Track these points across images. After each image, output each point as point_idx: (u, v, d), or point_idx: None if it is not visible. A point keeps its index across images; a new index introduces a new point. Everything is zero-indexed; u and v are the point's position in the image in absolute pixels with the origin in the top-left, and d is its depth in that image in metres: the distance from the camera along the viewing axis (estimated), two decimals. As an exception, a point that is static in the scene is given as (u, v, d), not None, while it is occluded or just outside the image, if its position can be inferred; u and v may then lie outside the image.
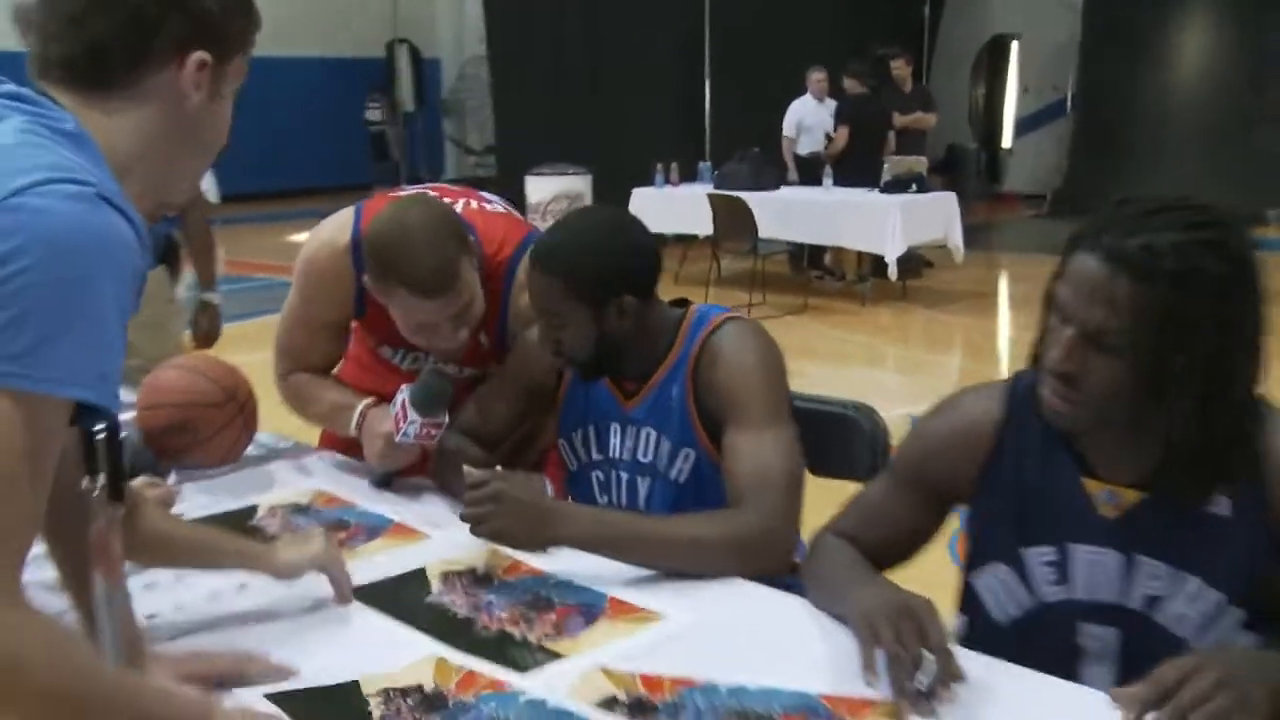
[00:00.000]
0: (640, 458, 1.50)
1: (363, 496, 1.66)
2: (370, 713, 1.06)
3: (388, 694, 1.09)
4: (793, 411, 1.47)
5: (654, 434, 1.49)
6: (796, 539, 1.40)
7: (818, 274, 7.85)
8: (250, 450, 1.82)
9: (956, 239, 6.92)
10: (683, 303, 1.55)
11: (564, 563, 1.35)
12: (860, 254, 7.32)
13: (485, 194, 1.84)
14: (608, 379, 1.55)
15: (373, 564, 1.41)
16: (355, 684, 1.10)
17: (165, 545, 1.17)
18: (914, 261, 7.26)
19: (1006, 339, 6.74)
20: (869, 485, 1.36)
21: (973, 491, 1.23)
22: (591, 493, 1.57)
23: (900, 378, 5.87)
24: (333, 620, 1.25)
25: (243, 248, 11.08)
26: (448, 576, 1.34)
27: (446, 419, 1.63)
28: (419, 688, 1.10)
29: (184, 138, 0.93)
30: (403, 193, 1.70)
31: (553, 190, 7.75)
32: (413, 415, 1.60)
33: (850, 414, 1.68)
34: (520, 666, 1.13)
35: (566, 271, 1.42)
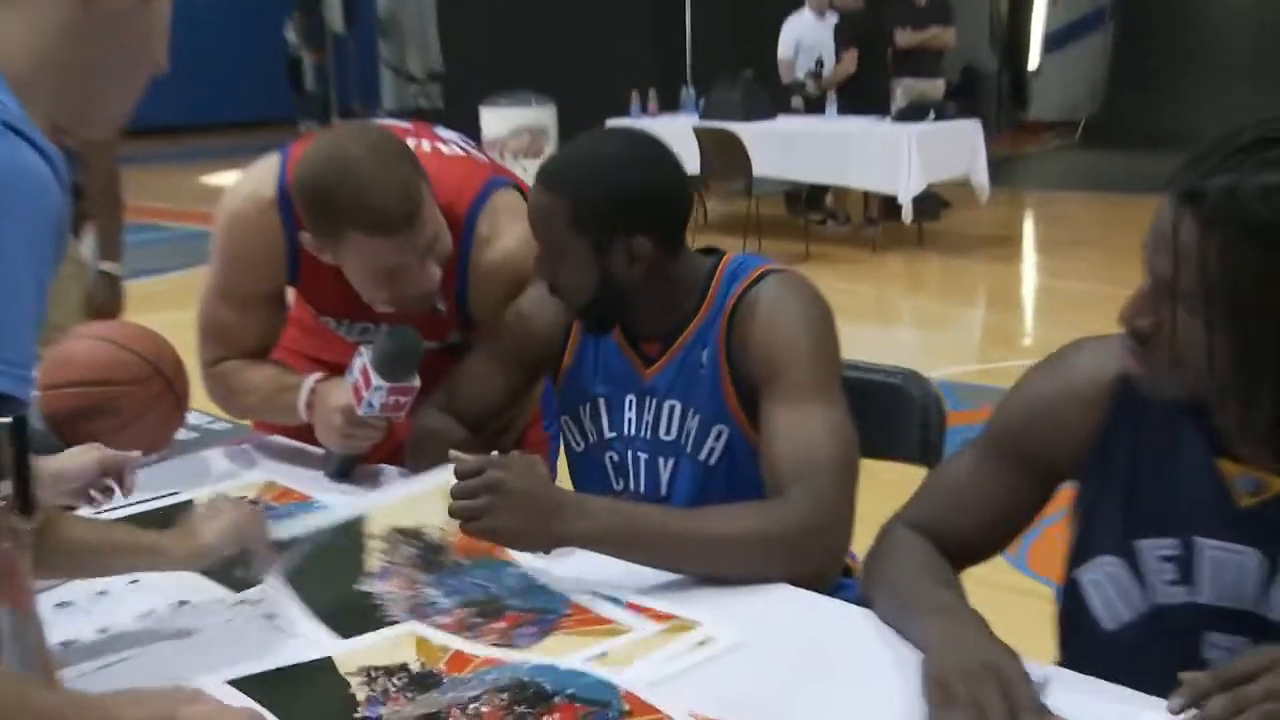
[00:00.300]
0: (662, 435, 1.46)
1: (321, 489, 1.61)
2: (353, 694, 1.06)
3: (369, 673, 1.11)
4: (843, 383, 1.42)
5: (678, 407, 1.45)
6: (849, 534, 1.34)
7: (819, 218, 7.82)
8: (180, 434, 1.77)
9: (981, 175, 6.86)
10: (714, 251, 1.50)
11: (569, 564, 1.30)
12: (867, 194, 7.29)
13: (441, 130, 1.77)
14: (622, 341, 1.50)
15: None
16: (329, 660, 1.12)
17: (74, 554, 1.14)
18: (930, 202, 7.22)
19: (1034, 288, 6.75)
20: (949, 461, 1.30)
21: (1082, 467, 1.18)
22: (604, 477, 1.53)
23: (915, 334, 5.86)
24: (281, 630, 1.21)
25: (150, 192, 10.92)
26: (391, 544, 1.32)
27: (418, 383, 1.56)
28: (403, 666, 1.12)
29: (102, 44, 0.85)
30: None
31: (511, 123, 7.71)
32: (377, 381, 1.53)
33: (896, 381, 1.65)
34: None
35: (571, 192, 1.37)
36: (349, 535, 1.34)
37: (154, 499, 1.55)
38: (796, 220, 7.82)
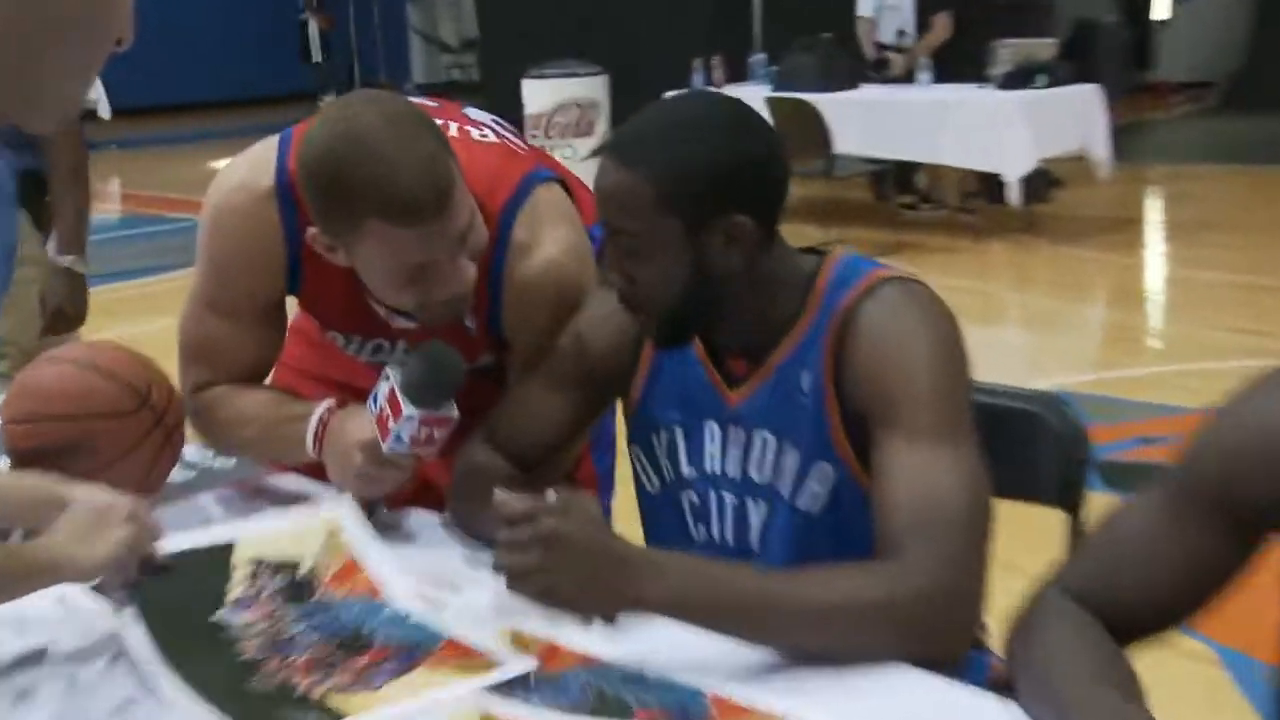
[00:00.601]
0: (753, 474, 1.41)
1: (405, 572, 1.43)
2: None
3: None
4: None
5: (772, 440, 1.40)
6: (981, 601, 1.28)
7: (908, 201, 7.73)
8: (175, 475, 1.72)
9: (1100, 148, 6.74)
10: (815, 251, 1.44)
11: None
12: (965, 173, 7.20)
13: (472, 112, 1.71)
14: (703, 356, 1.45)
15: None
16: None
17: None
18: (1039, 180, 7.11)
19: (1162, 280, 6.66)
20: (1119, 515, 1.20)
21: None
22: (681, 523, 1.48)
23: (1023, 336, 5.77)
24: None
25: (151, 179, 11.11)
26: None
27: (456, 413, 1.49)
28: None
29: (49, 9, 0.80)
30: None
31: (557, 97, 7.66)
32: (408, 409, 1.45)
33: (1031, 408, 1.57)
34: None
35: (655, 166, 1.30)
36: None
37: (185, 550, 1.44)
38: (884, 205, 7.72)
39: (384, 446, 1.48)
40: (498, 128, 1.68)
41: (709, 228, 1.33)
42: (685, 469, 1.47)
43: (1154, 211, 8.27)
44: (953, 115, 6.69)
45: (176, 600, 1.32)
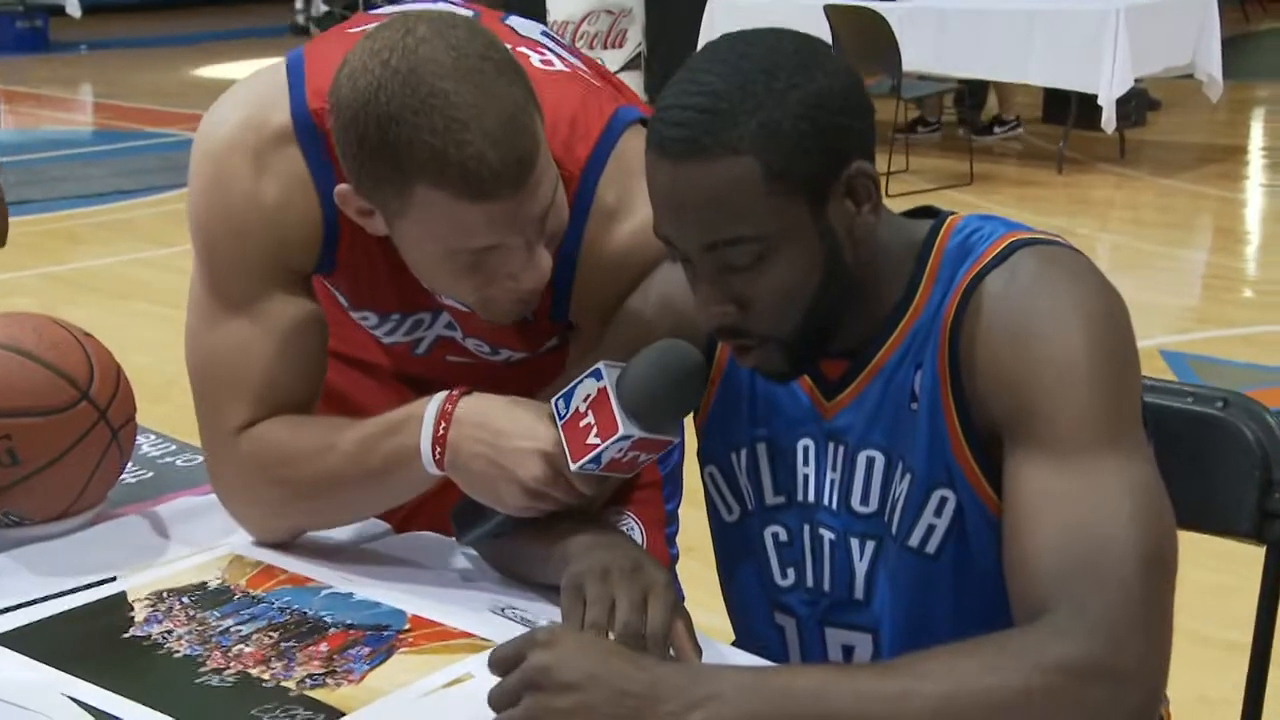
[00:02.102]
0: (855, 504, 1.31)
1: (328, 563, 1.42)
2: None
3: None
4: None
5: (880, 460, 1.30)
6: (1164, 674, 1.13)
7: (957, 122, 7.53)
8: (128, 477, 1.61)
9: (1211, 64, 6.74)
10: (930, 212, 1.32)
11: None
12: (1046, 92, 7.20)
13: (520, 25, 1.52)
14: None
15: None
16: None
17: None
18: (1135, 102, 7.13)
19: (1275, 217, 6.57)
20: None
21: None
22: (763, 563, 1.38)
23: (1121, 283, 5.56)
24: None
25: (122, 87, 11.01)
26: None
27: (678, 436, 1.33)
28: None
29: None
30: (382, 14, 1.35)
31: (586, 3, 7.55)
32: (626, 427, 1.25)
33: (1215, 410, 1.46)
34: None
35: (758, 132, 1.15)
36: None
37: (76, 589, 1.38)
38: (953, 131, 7.60)
39: (572, 465, 1.27)
40: (556, 46, 1.49)
41: (833, 194, 1.19)
42: (771, 497, 1.37)
43: (1258, 137, 8.18)
44: (1042, 27, 6.62)
45: (74, 636, 1.30)
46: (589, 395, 1.27)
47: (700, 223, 1.17)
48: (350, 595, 1.34)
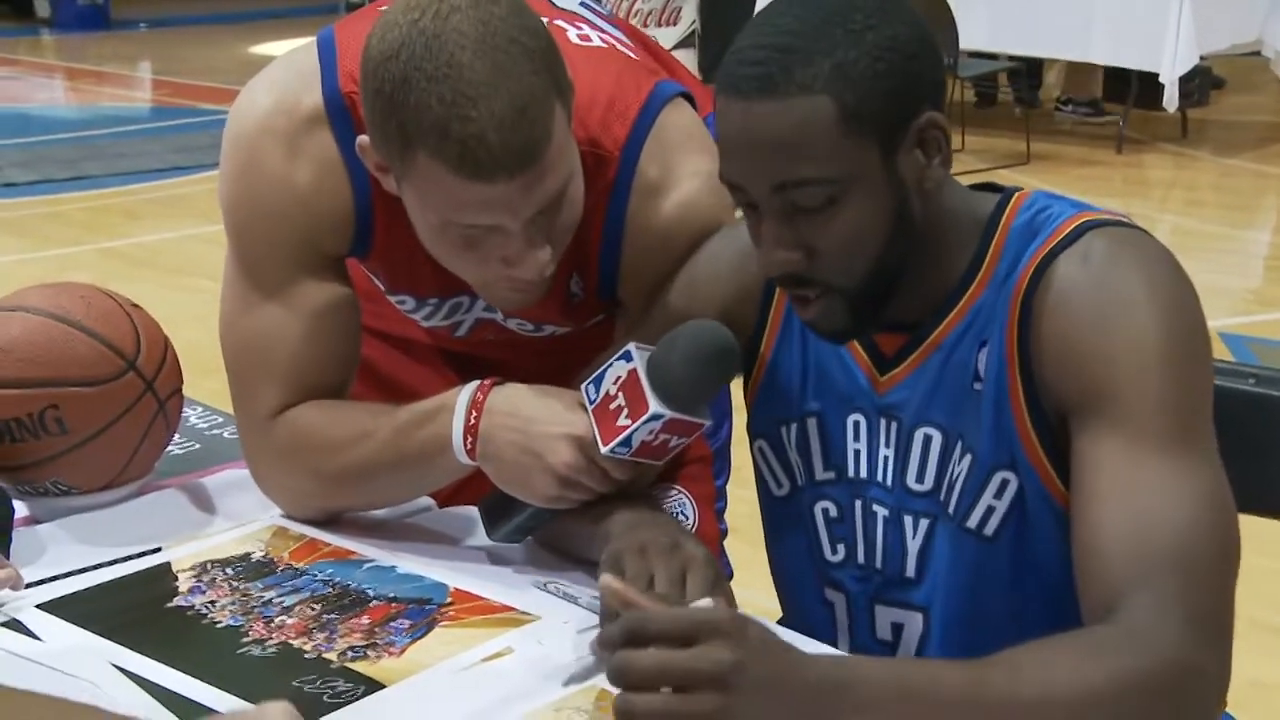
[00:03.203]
0: (911, 482, 1.29)
1: (371, 537, 1.41)
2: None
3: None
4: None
5: (937, 439, 1.28)
6: (1228, 671, 1.12)
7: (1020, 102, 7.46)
8: (174, 448, 1.62)
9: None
10: (994, 187, 1.30)
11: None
12: (1106, 71, 7.05)
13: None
14: None
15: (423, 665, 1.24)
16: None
17: None
18: (1198, 80, 7.00)
19: None
20: None
21: None
22: (813, 538, 1.37)
23: (1184, 264, 5.53)
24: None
25: (180, 64, 11.09)
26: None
27: (709, 419, 1.31)
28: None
29: None
30: None
31: None
32: (657, 407, 1.24)
33: (1257, 389, 1.45)
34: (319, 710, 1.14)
35: (833, 71, 1.14)
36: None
37: (122, 559, 1.39)
38: (1008, 108, 7.53)
39: (603, 447, 1.26)
40: (595, 19, 1.48)
41: (904, 142, 1.18)
42: (821, 472, 1.35)
43: None
44: (1103, 4, 6.52)
45: (120, 606, 1.30)
46: (619, 378, 1.26)
47: (771, 162, 1.15)
48: (393, 569, 1.34)
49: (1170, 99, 6.34)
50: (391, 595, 1.29)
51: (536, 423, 1.28)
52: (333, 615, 1.26)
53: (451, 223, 1.24)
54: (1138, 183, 6.54)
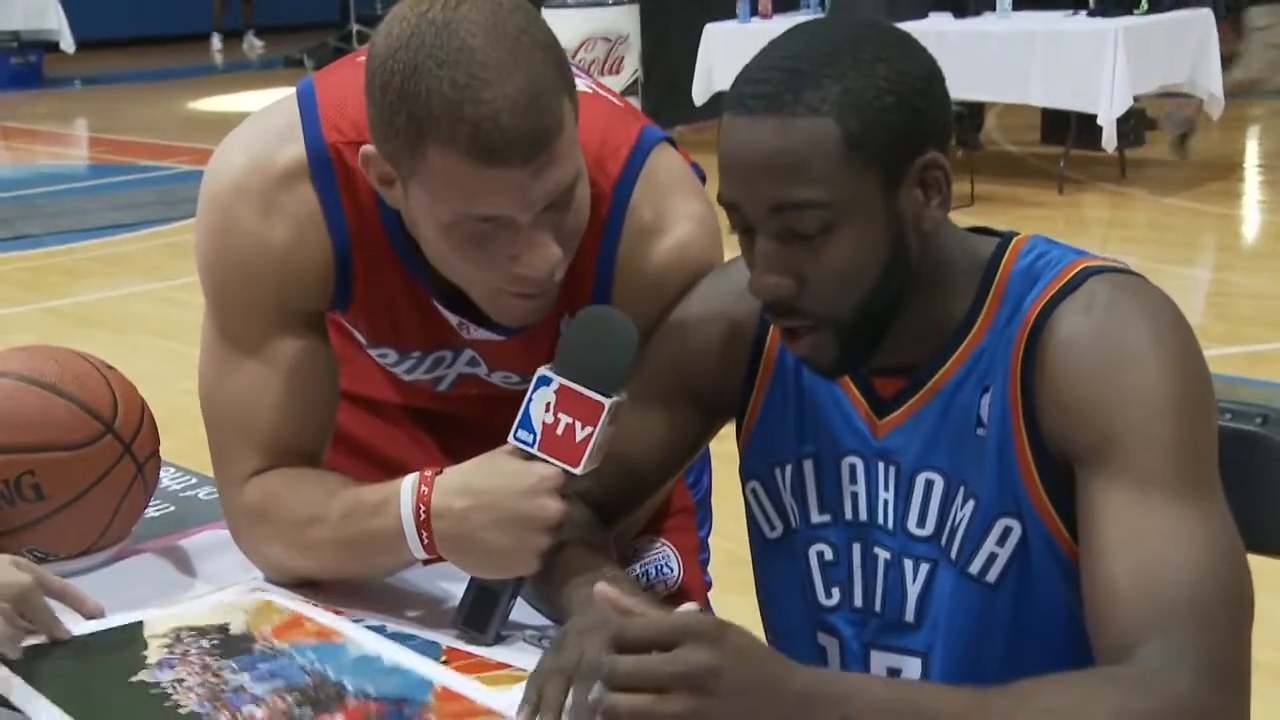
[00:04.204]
0: (911, 526, 1.28)
1: (362, 599, 1.37)
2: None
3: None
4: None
5: (939, 484, 1.27)
6: (1241, 709, 1.12)
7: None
8: (151, 511, 1.59)
9: (1211, 82, 6.68)
10: (990, 231, 1.30)
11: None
12: (1045, 112, 7.15)
13: None
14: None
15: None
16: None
17: None
18: (1134, 121, 7.05)
19: (1277, 236, 6.54)
20: None
21: None
22: (807, 583, 1.36)
23: None
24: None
25: (117, 121, 11.00)
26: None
27: (610, 397, 1.29)
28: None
29: None
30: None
31: (582, 29, 7.58)
32: (606, 398, 1.24)
33: (1254, 428, 1.44)
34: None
35: (841, 96, 1.14)
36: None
37: (94, 631, 1.35)
38: (954, 151, 7.55)
39: (578, 469, 1.24)
40: (579, 71, 1.47)
41: (906, 179, 1.17)
42: (816, 515, 1.34)
43: (1256, 154, 8.13)
44: (1041, 48, 6.60)
45: (82, 672, 1.27)
46: (549, 403, 1.24)
47: (771, 181, 1.15)
48: (378, 658, 1.27)
49: (1109, 139, 6.42)
50: (370, 692, 1.21)
51: (500, 492, 1.25)
52: (304, 710, 1.19)
53: (462, 218, 1.22)
54: (1079, 222, 6.59)
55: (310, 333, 1.40)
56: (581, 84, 1.42)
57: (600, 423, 1.23)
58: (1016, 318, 1.21)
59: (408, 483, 1.29)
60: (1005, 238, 1.26)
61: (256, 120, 1.41)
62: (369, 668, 1.25)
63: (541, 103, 1.19)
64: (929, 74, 1.18)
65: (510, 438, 1.25)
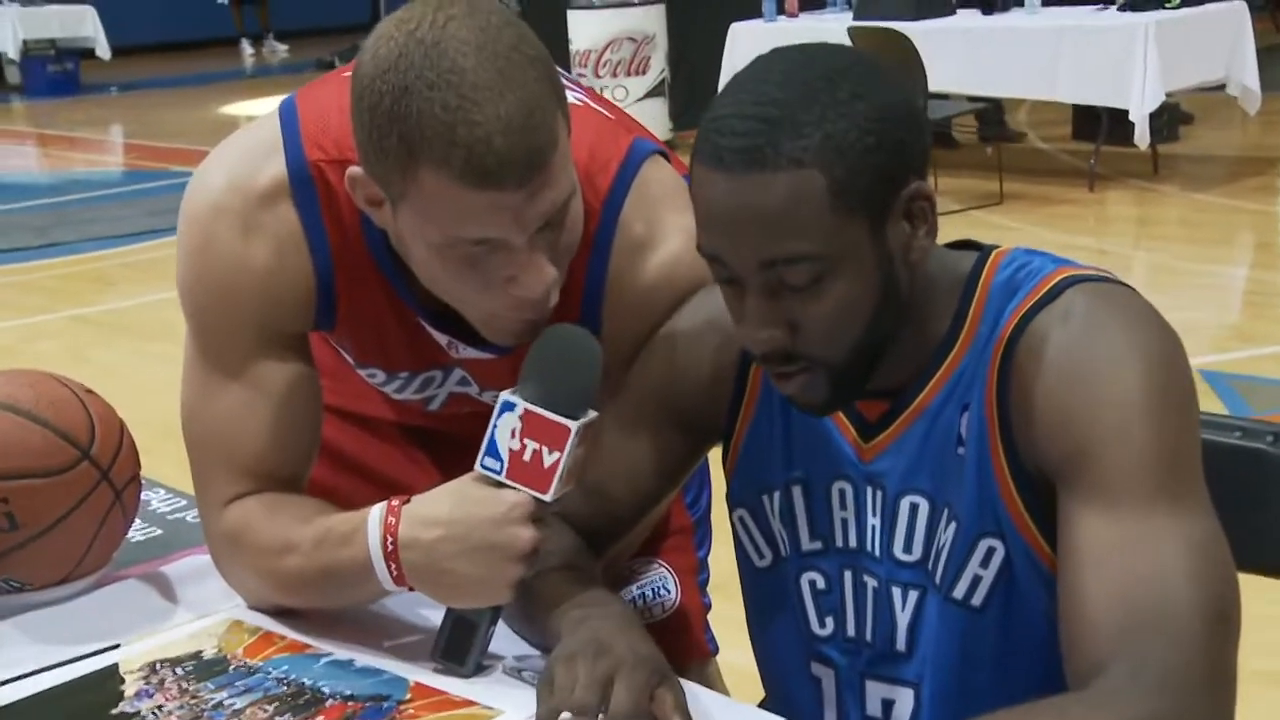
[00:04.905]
0: (898, 552, 1.27)
1: (332, 622, 1.36)
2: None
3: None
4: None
5: (924, 506, 1.26)
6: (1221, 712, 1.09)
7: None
8: (134, 534, 1.56)
9: (1248, 76, 6.61)
10: (970, 245, 1.27)
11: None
12: (1076, 108, 7.16)
13: None
14: None
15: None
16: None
17: None
18: (1167, 116, 7.04)
19: None
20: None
21: None
22: (799, 612, 1.34)
23: (1158, 303, 5.47)
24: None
25: (153, 127, 11.08)
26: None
27: (576, 419, 1.25)
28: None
29: None
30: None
31: (608, 31, 7.67)
32: (571, 421, 1.22)
33: (1266, 447, 1.41)
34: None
35: (822, 145, 1.11)
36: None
37: (76, 659, 1.33)
38: (981, 148, 7.53)
39: (548, 495, 1.22)
40: (569, 81, 1.44)
41: (892, 214, 1.14)
42: (807, 542, 1.31)
43: None
44: (1070, 44, 6.56)
45: (60, 714, 1.26)
46: (515, 429, 1.21)
47: (758, 239, 1.11)
48: (351, 662, 1.28)
49: (1141, 135, 6.38)
50: (348, 693, 1.23)
51: (470, 520, 1.22)
52: (285, 717, 1.20)
53: (455, 241, 1.19)
54: (1111, 219, 6.56)
55: (293, 355, 1.37)
56: (572, 96, 1.39)
57: (568, 447, 1.20)
58: (996, 332, 1.18)
59: (374, 513, 1.26)
60: (985, 251, 1.23)
61: (237, 138, 1.39)
62: (344, 670, 1.26)
63: (535, 121, 1.16)
64: (906, 103, 1.15)
65: (477, 465, 1.22)
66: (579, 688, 1.10)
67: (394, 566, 1.24)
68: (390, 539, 1.24)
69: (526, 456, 1.21)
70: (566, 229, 1.24)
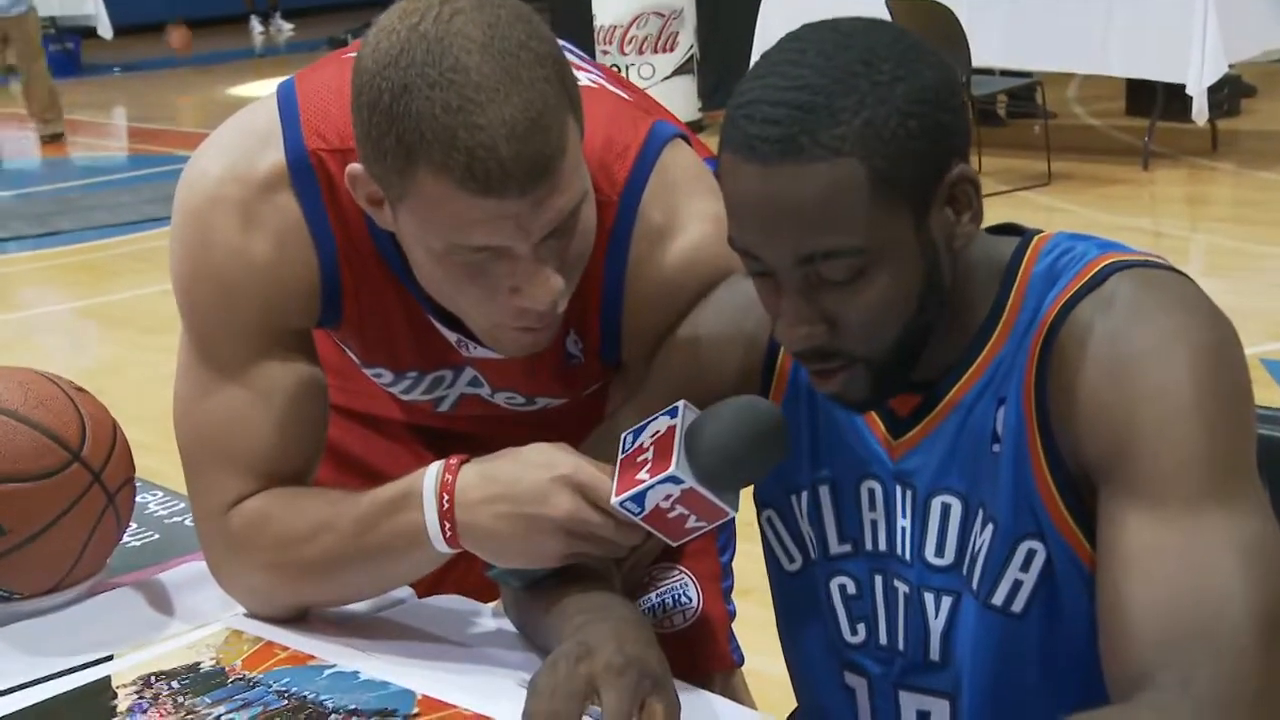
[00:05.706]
0: (930, 555, 1.26)
1: (335, 635, 1.37)
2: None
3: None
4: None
5: (957, 507, 1.25)
6: None
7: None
8: (129, 539, 1.58)
9: None
10: (1013, 229, 1.26)
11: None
12: (1129, 82, 7.15)
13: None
14: None
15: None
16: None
17: None
18: (1228, 89, 6.98)
19: None
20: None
21: None
22: (830, 618, 1.34)
23: (1209, 288, 5.47)
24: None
25: (157, 110, 11.15)
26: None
27: (734, 511, 1.25)
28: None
29: None
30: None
31: (634, 6, 7.68)
32: (678, 468, 1.19)
33: None
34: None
35: (862, 133, 1.10)
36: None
37: (66, 672, 1.34)
38: (1029, 127, 7.56)
39: (614, 498, 1.20)
40: (580, 60, 1.44)
41: (935, 201, 1.14)
42: (836, 545, 1.31)
43: None
44: (1122, 14, 6.54)
45: None
46: (657, 432, 1.22)
47: (795, 233, 1.10)
48: (356, 674, 1.29)
49: (1199, 110, 6.34)
50: (352, 706, 1.23)
51: (520, 482, 1.23)
52: None
53: (455, 248, 1.19)
54: (1166, 200, 6.55)
55: (297, 352, 1.37)
56: (587, 79, 1.39)
57: (656, 480, 1.20)
58: (1035, 321, 1.17)
59: (431, 472, 1.27)
60: (1026, 237, 1.23)
61: (230, 127, 1.38)
62: (348, 684, 1.27)
63: (541, 125, 1.15)
64: (947, 81, 1.14)
65: (612, 498, 1.22)
66: (554, 695, 1.10)
67: (448, 526, 1.25)
68: (448, 496, 1.25)
69: (639, 458, 1.21)
70: (577, 237, 1.23)
